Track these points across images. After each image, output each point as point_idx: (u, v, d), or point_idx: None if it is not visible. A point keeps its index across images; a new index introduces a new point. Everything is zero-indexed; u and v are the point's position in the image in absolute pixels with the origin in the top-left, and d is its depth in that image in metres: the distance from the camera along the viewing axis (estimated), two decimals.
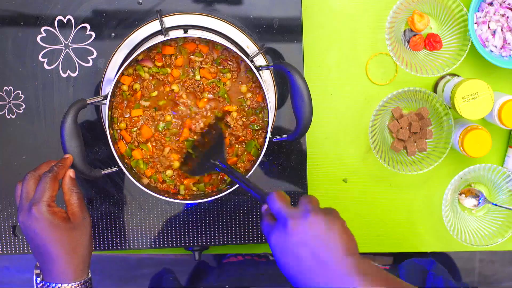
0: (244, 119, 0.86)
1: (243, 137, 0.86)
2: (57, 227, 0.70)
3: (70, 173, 0.75)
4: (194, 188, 0.86)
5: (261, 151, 0.82)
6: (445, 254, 1.18)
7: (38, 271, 0.74)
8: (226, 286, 0.93)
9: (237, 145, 0.86)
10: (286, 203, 0.62)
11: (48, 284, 0.71)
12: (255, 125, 0.86)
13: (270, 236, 0.61)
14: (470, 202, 1.00)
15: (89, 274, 0.74)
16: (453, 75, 0.97)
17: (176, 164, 0.85)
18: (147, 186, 0.82)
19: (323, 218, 0.59)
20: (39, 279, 0.73)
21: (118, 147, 0.83)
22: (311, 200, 0.62)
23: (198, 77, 0.84)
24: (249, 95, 0.85)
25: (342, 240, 0.59)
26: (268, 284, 0.89)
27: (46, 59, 0.89)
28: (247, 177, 0.80)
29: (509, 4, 0.93)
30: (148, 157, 0.85)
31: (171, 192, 0.85)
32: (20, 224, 0.72)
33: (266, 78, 0.88)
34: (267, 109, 0.83)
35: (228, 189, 0.81)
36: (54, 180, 0.72)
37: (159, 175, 0.85)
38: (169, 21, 0.86)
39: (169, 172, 0.85)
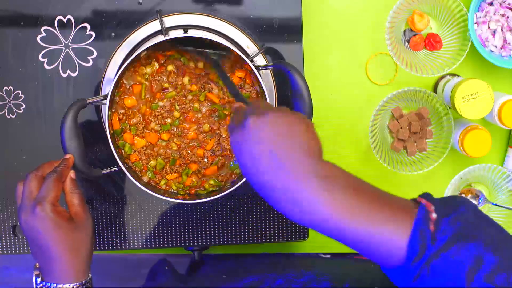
0: None
1: (229, 152, 0.86)
2: (60, 226, 0.70)
3: (71, 174, 0.75)
4: (174, 187, 0.86)
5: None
6: None
7: (38, 272, 0.73)
8: (224, 276, 0.93)
9: (220, 157, 0.86)
10: (246, 102, 0.59)
11: (49, 284, 0.71)
12: None
13: (230, 135, 0.58)
14: None
15: (90, 275, 0.74)
16: (453, 75, 0.97)
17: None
18: (147, 185, 0.82)
19: (286, 116, 0.55)
20: (39, 280, 0.73)
21: (112, 124, 0.83)
22: (266, 102, 0.60)
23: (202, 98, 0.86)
24: None
25: (306, 139, 0.54)
26: (265, 273, 0.89)
27: (46, 59, 0.89)
28: None
29: (509, 4, 0.93)
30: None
31: (167, 190, 0.85)
32: (22, 223, 0.71)
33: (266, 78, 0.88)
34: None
35: (228, 189, 0.81)
36: (59, 181, 0.72)
37: (145, 166, 0.85)
38: (169, 21, 0.86)
39: (152, 162, 0.85)
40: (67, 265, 0.71)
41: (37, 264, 0.74)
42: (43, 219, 0.69)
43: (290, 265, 0.91)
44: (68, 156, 0.75)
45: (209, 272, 1.00)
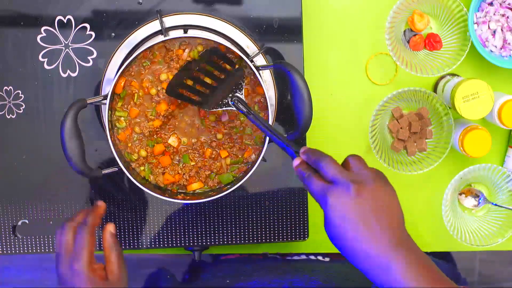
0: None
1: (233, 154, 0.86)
2: (95, 284, 0.72)
3: (111, 229, 0.76)
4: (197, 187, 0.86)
5: (261, 151, 0.82)
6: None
7: None
8: (227, 280, 0.93)
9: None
10: (340, 167, 0.61)
11: None
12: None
13: (327, 196, 0.59)
14: (470, 202, 1.00)
15: None
16: (453, 75, 0.97)
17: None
18: (147, 185, 0.82)
19: (385, 187, 0.60)
20: None
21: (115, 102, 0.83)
22: (363, 162, 0.61)
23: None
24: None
25: (399, 212, 0.60)
26: (269, 278, 0.89)
27: (46, 59, 0.89)
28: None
29: (509, 4, 0.93)
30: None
31: (169, 190, 0.85)
32: (60, 275, 0.73)
33: (266, 78, 0.88)
34: (267, 109, 0.83)
35: (228, 189, 0.81)
36: (91, 234, 0.73)
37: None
38: (169, 21, 0.86)
39: (142, 152, 0.85)
40: None
41: None
42: (80, 275, 0.71)
43: (291, 270, 0.91)
44: (100, 204, 0.77)
45: (210, 278, 1.00)
